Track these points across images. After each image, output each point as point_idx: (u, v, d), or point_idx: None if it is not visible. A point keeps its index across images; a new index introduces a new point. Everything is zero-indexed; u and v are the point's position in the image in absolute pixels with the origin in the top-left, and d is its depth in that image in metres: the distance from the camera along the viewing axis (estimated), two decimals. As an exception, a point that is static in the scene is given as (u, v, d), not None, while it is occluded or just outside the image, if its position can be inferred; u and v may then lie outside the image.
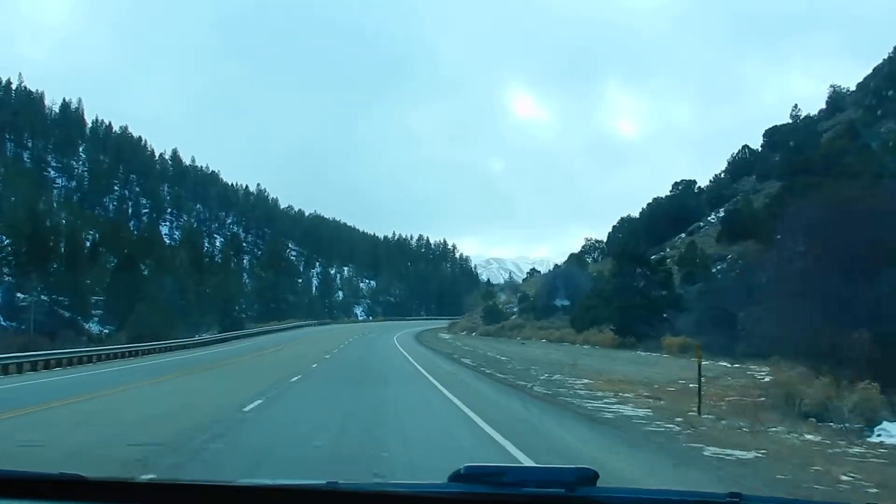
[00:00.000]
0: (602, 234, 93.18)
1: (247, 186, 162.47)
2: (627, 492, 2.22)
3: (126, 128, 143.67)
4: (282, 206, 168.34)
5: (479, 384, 20.45)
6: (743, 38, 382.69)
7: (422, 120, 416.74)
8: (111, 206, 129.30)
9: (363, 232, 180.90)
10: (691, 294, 46.00)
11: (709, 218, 67.15)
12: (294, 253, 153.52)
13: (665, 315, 40.35)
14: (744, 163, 75.71)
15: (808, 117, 74.45)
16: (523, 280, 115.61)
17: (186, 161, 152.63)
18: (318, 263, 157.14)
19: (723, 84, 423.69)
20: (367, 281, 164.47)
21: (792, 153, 60.70)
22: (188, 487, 2.28)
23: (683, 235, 65.85)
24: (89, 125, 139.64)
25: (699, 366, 14.37)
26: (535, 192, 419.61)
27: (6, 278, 67.13)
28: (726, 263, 53.64)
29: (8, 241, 69.06)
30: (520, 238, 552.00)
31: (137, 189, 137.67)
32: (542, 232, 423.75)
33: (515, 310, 79.61)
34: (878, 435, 11.95)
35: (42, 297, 65.61)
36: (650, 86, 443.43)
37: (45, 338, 46.06)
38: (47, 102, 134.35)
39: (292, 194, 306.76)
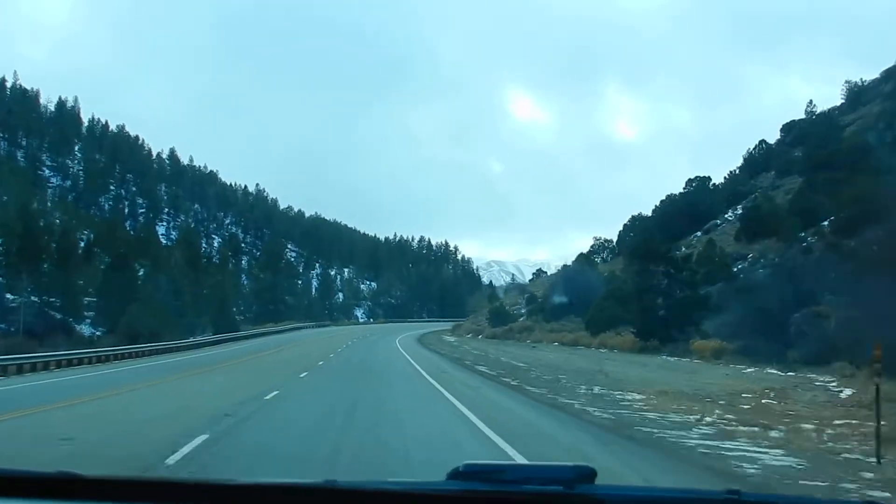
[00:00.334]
0: (603, 236, 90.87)
1: (245, 186, 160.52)
2: (626, 489, 2.27)
3: (123, 127, 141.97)
4: (281, 207, 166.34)
5: (512, 403, 16.00)
6: (743, 38, 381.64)
7: (422, 120, 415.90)
8: (107, 205, 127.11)
9: (363, 233, 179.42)
10: (713, 294, 43.62)
11: (726, 215, 64.80)
12: (293, 254, 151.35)
13: (693, 317, 37.77)
14: (760, 158, 73.34)
15: (823, 113, 72.32)
16: (529, 281, 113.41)
17: (184, 161, 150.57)
18: (317, 265, 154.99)
19: (723, 84, 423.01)
20: (367, 282, 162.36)
21: (814, 148, 58.40)
22: (187, 486, 2.23)
23: (699, 234, 63.50)
24: (85, 124, 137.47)
25: (878, 390, 9.33)
26: (535, 193, 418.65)
27: (-4, 278, 64.99)
28: (747, 262, 51.42)
29: (-2, 240, 66.90)
30: (519, 240, 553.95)
31: (134, 189, 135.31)
32: (541, 234, 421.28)
33: (523, 311, 77.20)
34: None
35: (32, 297, 63.60)
36: (650, 86, 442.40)
37: (33, 341, 44.17)
38: (42, 101, 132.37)
39: (292, 194, 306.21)
